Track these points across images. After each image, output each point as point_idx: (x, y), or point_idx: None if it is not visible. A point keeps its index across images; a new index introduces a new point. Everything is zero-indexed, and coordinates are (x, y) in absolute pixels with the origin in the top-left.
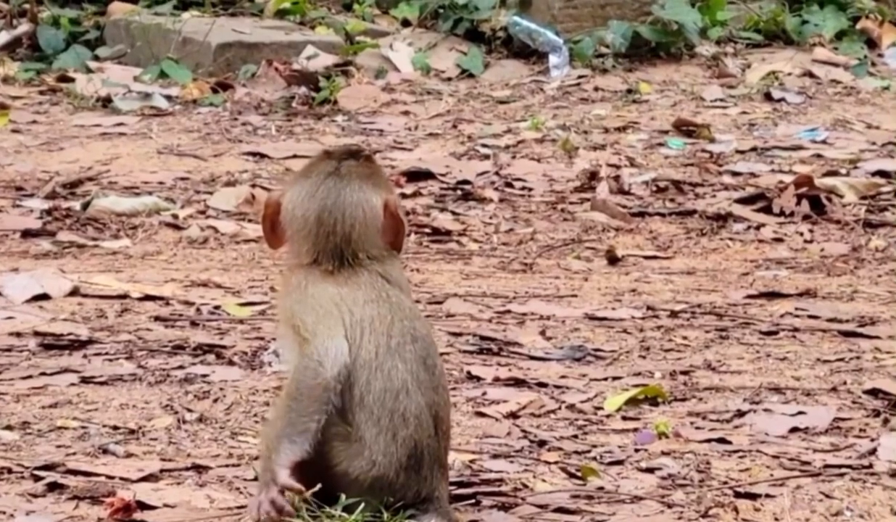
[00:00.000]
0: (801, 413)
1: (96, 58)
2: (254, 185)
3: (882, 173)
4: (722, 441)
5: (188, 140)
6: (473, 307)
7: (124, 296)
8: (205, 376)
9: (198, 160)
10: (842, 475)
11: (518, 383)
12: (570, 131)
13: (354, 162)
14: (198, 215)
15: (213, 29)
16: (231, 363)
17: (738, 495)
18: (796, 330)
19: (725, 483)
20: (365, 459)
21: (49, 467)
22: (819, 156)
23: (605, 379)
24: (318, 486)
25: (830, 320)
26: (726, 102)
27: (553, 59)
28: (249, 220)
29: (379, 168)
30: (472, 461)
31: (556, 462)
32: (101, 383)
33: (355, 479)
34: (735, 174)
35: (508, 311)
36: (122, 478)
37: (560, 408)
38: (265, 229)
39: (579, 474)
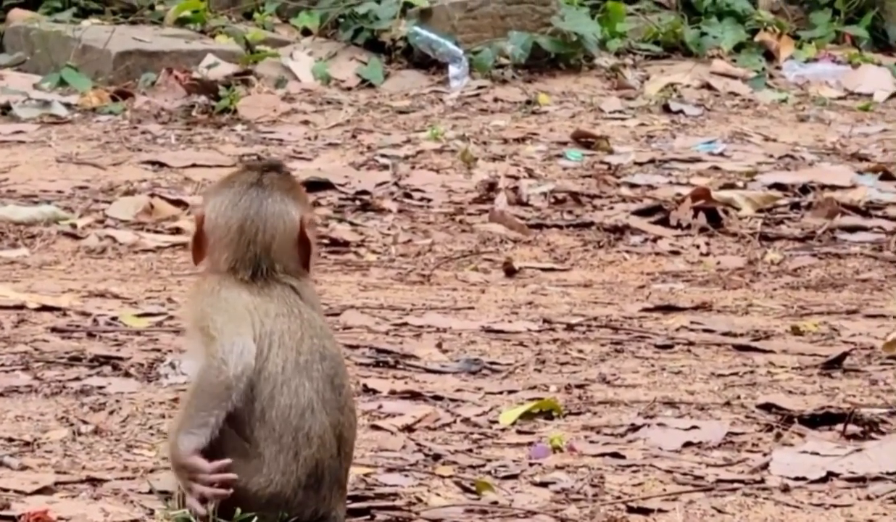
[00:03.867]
0: (694, 427)
1: None
2: (153, 195)
3: (779, 186)
4: (616, 455)
5: (87, 148)
6: (370, 319)
7: (21, 307)
8: (101, 388)
9: (97, 169)
10: (734, 489)
11: (414, 396)
12: (470, 142)
13: (276, 174)
14: (96, 225)
15: (113, 37)
16: (127, 375)
17: (630, 510)
18: (691, 343)
19: (619, 497)
20: (263, 476)
21: None
22: (716, 168)
23: (501, 392)
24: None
25: (725, 334)
26: (625, 114)
27: (453, 70)
28: (148, 230)
29: (298, 184)
30: (366, 475)
31: (450, 476)
32: None
33: (253, 495)
34: (633, 186)
35: (405, 324)
36: (16, 491)
37: (455, 422)
38: (194, 245)
39: (473, 488)
